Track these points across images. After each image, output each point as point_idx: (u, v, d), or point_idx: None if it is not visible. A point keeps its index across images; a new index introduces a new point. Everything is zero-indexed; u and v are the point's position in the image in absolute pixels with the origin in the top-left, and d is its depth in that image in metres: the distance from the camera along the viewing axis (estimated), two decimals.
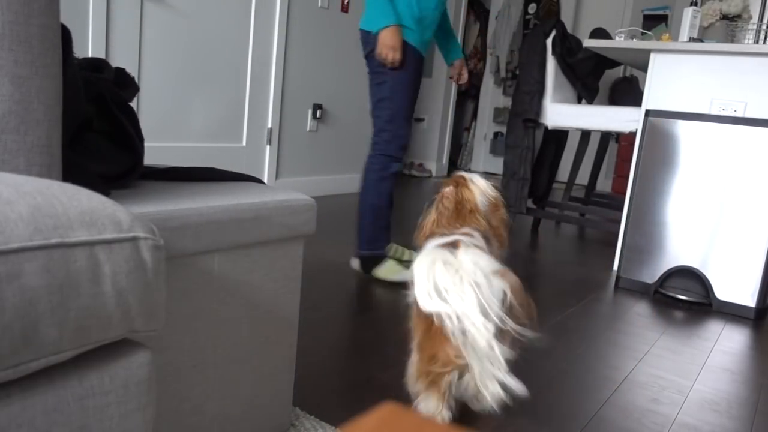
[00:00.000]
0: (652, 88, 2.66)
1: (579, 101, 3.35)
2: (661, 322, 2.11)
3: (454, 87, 5.96)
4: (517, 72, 5.11)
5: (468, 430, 1.24)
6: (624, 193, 4.93)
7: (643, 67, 3.25)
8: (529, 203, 3.62)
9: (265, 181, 3.63)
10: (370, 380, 1.46)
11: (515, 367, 1.63)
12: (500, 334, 1.09)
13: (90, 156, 0.86)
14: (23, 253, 0.49)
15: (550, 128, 3.20)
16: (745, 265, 2.24)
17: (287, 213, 1.03)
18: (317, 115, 3.92)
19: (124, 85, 0.95)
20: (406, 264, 2.28)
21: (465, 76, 2.45)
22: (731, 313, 2.28)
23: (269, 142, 3.63)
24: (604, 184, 6.01)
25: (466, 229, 1.29)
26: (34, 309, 0.49)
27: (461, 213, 1.36)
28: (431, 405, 1.17)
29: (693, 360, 1.78)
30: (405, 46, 2.14)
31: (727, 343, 1.96)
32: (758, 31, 2.90)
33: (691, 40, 2.71)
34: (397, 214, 3.64)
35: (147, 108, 2.96)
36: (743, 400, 1.54)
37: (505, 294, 1.10)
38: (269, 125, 3.61)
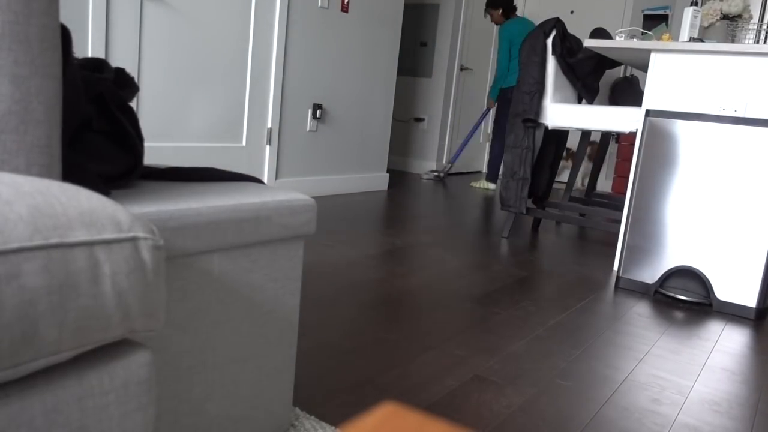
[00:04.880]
0: (652, 88, 2.66)
1: (579, 101, 3.35)
2: (661, 322, 2.11)
3: (454, 87, 5.96)
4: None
5: (468, 430, 1.24)
6: (624, 193, 4.91)
7: (643, 67, 3.25)
8: (529, 203, 3.62)
9: (265, 181, 3.63)
10: (370, 380, 1.45)
11: (515, 367, 1.63)
12: None
13: (90, 156, 0.86)
14: (22, 253, 0.49)
15: (550, 128, 3.20)
16: (746, 265, 2.24)
17: (287, 213, 1.03)
18: (317, 115, 3.92)
19: (124, 85, 0.95)
20: None
21: None
22: (731, 313, 2.28)
23: (269, 142, 3.63)
24: (604, 184, 6.01)
25: None
26: (34, 309, 0.49)
27: None
28: None
29: (693, 360, 1.78)
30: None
31: (727, 343, 1.96)
32: (758, 31, 2.89)
33: (692, 40, 2.71)
34: (397, 214, 3.64)
35: (147, 108, 2.96)
36: (743, 401, 1.54)
37: None
38: (269, 125, 3.61)
